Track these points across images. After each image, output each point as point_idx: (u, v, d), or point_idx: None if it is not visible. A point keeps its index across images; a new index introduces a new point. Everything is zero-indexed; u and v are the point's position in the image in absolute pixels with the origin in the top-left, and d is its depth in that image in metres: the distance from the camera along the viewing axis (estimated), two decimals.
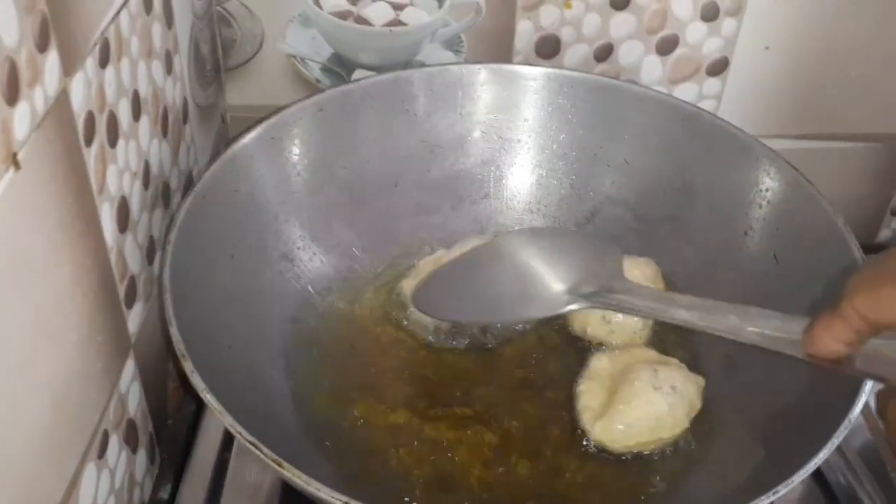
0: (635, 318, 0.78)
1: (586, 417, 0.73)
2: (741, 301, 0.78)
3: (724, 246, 0.81)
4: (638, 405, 0.71)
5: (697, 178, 0.83)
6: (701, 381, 0.75)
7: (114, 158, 0.65)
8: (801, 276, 0.75)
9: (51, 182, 0.55)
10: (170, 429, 0.82)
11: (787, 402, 0.69)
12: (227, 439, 0.79)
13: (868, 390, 0.61)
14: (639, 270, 0.81)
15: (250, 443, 0.53)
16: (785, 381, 0.69)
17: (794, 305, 0.73)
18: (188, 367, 0.57)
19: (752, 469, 0.65)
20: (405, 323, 0.81)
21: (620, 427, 0.71)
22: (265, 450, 0.53)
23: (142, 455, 0.74)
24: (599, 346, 0.79)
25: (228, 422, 0.55)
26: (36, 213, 0.54)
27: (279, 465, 0.52)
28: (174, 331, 0.59)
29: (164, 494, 0.77)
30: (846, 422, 0.59)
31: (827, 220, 0.73)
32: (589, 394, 0.74)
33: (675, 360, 0.76)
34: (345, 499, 0.50)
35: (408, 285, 0.83)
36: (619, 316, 0.78)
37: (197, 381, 0.57)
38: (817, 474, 0.78)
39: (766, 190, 0.78)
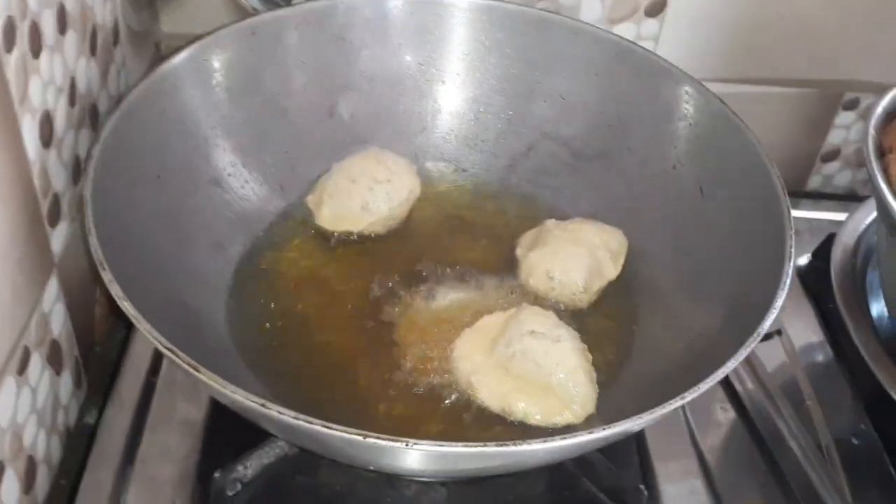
0: (576, 279, 0.78)
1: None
2: (669, 231, 0.80)
3: (654, 180, 0.82)
4: None
5: (631, 113, 0.84)
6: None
7: (37, 70, 0.64)
8: (724, 208, 0.76)
9: None
10: (98, 355, 0.81)
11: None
12: (155, 365, 0.78)
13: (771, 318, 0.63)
14: (605, 237, 0.81)
15: (167, 349, 0.53)
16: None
17: (717, 237, 0.75)
18: (106, 276, 0.57)
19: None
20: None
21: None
22: (181, 355, 0.53)
23: (66, 378, 0.74)
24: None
25: (145, 328, 0.54)
26: None
27: (196, 369, 0.52)
28: (93, 239, 0.58)
29: (91, 419, 0.76)
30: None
31: (751, 152, 0.74)
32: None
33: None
34: (260, 401, 0.50)
35: (311, 201, 0.84)
36: (560, 272, 0.78)
37: (115, 289, 0.56)
38: (741, 409, 0.81)
39: (695, 124, 0.80)
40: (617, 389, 0.72)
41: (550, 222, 0.82)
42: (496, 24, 0.86)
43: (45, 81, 0.65)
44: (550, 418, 0.68)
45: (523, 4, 0.87)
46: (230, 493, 0.67)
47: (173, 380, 0.77)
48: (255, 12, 0.85)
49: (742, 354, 0.59)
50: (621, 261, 0.81)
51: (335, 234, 0.83)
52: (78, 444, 0.74)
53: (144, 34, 0.91)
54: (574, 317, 0.78)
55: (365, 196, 0.82)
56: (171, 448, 0.72)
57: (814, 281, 0.93)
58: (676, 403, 0.56)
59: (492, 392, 0.69)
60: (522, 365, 0.69)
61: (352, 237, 0.83)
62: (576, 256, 0.78)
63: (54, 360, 0.70)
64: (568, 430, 0.68)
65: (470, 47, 0.88)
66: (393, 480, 0.70)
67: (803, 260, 0.95)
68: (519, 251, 0.82)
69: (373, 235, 0.84)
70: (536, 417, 0.68)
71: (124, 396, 0.76)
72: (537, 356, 0.69)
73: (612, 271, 0.80)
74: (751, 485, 0.76)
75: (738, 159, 0.76)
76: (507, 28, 0.86)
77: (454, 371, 0.71)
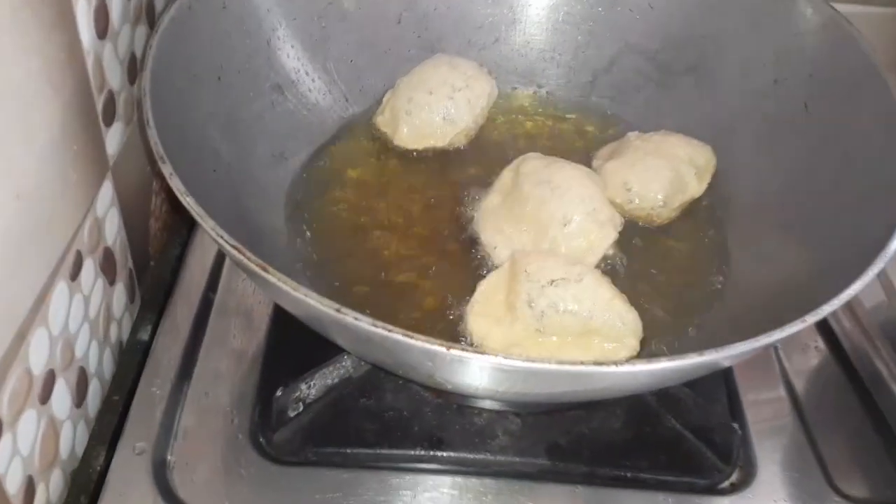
0: (656, 191, 0.72)
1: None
2: (766, 154, 0.74)
3: (752, 97, 0.75)
4: None
5: (727, 22, 0.77)
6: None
7: None
8: (832, 125, 0.69)
9: None
10: (152, 270, 0.77)
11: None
12: (212, 283, 0.74)
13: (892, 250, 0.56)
14: (690, 151, 0.75)
15: (233, 247, 0.48)
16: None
17: (824, 157, 0.69)
18: (167, 169, 0.52)
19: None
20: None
21: None
22: (249, 255, 0.48)
23: (120, 289, 0.70)
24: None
25: (210, 225, 0.50)
26: None
27: (264, 269, 0.47)
28: (152, 132, 0.54)
29: (145, 336, 0.73)
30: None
31: (865, 63, 0.67)
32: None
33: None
34: (335, 305, 0.46)
35: (382, 122, 0.79)
36: (638, 184, 0.72)
37: (176, 183, 0.51)
38: (837, 349, 0.75)
39: (801, 33, 0.72)
40: (711, 319, 0.66)
41: (632, 134, 0.76)
42: None
43: None
44: (614, 358, 0.62)
45: None
46: (292, 414, 0.63)
47: (232, 298, 0.73)
48: None
49: (852, 291, 0.53)
50: (708, 178, 0.75)
51: (415, 152, 0.78)
52: (131, 361, 0.71)
53: None
54: (662, 231, 0.72)
55: (447, 106, 0.77)
56: (228, 369, 0.68)
57: None
58: (768, 339, 0.50)
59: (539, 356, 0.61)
60: (557, 319, 0.62)
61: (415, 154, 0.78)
62: (656, 168, 0.73)
63: (108, 268, 0.66)
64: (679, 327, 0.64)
65: None
66: (462, 408, 0.65)
67: None
68: (595, 163, 0.76)
69: (452, 149, 0.78)
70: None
71: (179, 314, 0.72)
72: (569, 304, 0.62)
73: (696, 187, 0.74)
74: (846, 428, 0.70)
75: (850, 73, 0.68)
76: None
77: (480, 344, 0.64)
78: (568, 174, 0.70)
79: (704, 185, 0.74)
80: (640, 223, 0.73)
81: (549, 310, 0.61)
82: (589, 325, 0.62)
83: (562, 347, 0.62)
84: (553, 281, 0.62)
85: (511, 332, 0.62)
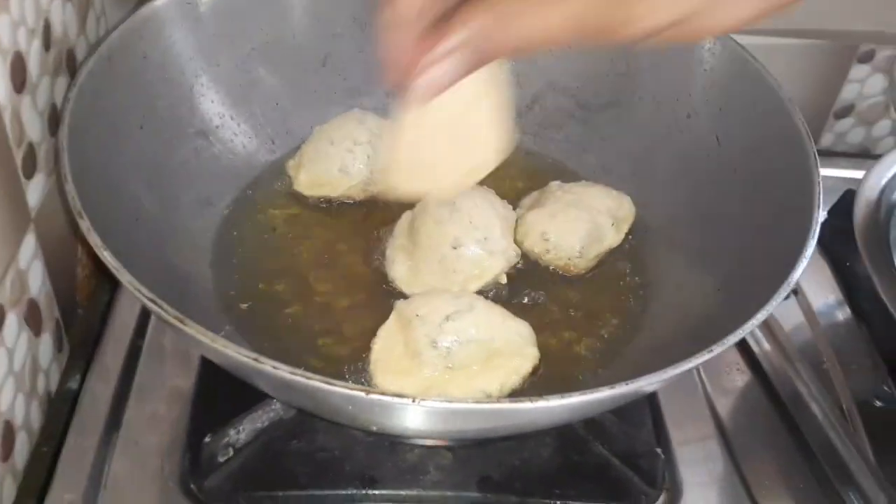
0: (573, 243, 0.74)
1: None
2: (681, 185, 0.76)
3: (667, 131, 0.78)
4: None
5: (642, 61, 0.79)
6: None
7: (6, 7, 0.59)
8: (742, 155, 0.72)
9: None
10: (81, 318, 0.77)
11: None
12: (141, 328, 0.74)
13: (803, 266, 0.59)
14: (610, 202, 0.76)
15: (151, 300, 0.49)
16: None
17: (735, 186, 0.72)
18: (84, 224, 0.52)
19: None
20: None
21: None
22: (166, 307, 0.49)
23: (46, 340, 0.69)
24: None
25: (126, 279, 0.50)
26: None
27: (181, 322, 0.48)
28: (69, 186, 0.54)
29: (74, 384, 0.72)
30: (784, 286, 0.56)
31: (772, 97, 0.70)
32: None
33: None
34: (253, 355, 0.46)
35: (291, 167, 0.80)
36: (555, 235, 0.74)
37: (94, 238, 0.52)
38: (758, 371, 0.77)
39: (711, 69, 0.75)
40: (630, 350, 0.68)
41: (554, 184, 0.78)
42: None
43: (16, 20, 0.61)
44: (522, 372, 0.65)
45: None
46: (221, 459, 0.63)
47: (160, 344, 0.73)
48: None
49: (769, 308, 0.55)
50: (625, 227, 0.77)
51: (310, 199, 0.78)
52: (60, 410, 0.70)
53: None
54: (580, 279, 0.74)
55: (344, 158, 0.77)
56: (158, 414, 0.68)
57: (831, 240, 0.89)
58: (690, 363, 0.52)
59: (457, 392, 0.62)
60: (463, 351, 0.63)
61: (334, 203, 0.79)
62: (574, 220, 0.74)
63: (33, 320, 0.66)
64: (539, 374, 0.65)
65: None
66: (395, 444, 0.66)
67: (819, 218, 0.91)
68: (518, 211, 0.78)
69: (353, 201, 0.79)
70: (514, 378, 0.64)
71: (108, 361, 0.72)
72: (471, 333, 0.64)
73: (614, 237, 0.76)
74: (769, 448, 0.72)
75: (757, 105, 0.72)
76: None
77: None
78: (474, 201, 0.72)
79: (621, 236, 0.76)
80: (558, 271, 0.75)
81: (454, 345, 0.63)
82: (492, 348, 0.64)
83: (474, 377, 0.64)
84: (448, 316, 0.64)
85: (422, 378, 0.63)
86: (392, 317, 0.66)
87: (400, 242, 0.74)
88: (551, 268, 0.75)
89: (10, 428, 0.63)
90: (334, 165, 0.77)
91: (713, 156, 0.74)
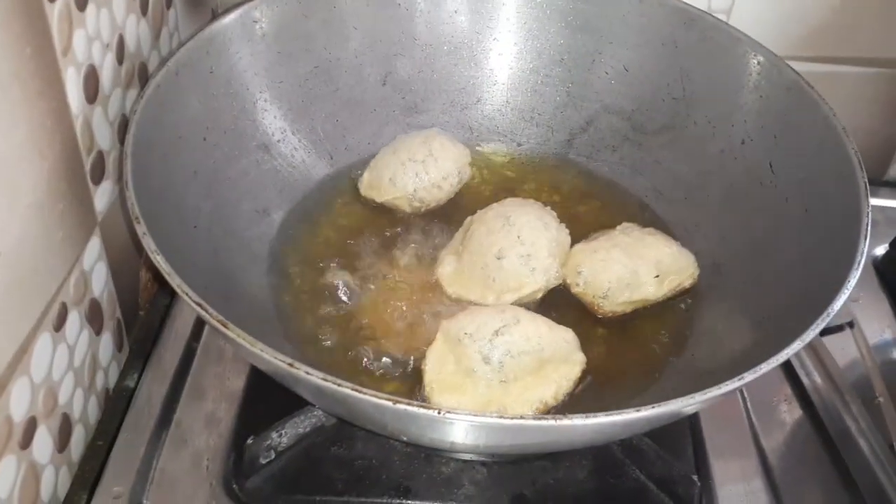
0: (601, 282, 0.72)
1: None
2: (733, 210, 0.76)
3: (720, 156, 0.78)
4: None
5: (698, 85, 0.80)
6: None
7: (82, 23, 0.63)
8: (795, 185, 0.71)
9: (4, 28, 0.53)
10: (142, 320, 0.80)
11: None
12: (196, 332, 0.77)
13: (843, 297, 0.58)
14: (664, 255, 0.74)
15: (196, 303, 0.51)
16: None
17: (786, 213, 0.71)
18: (140, 229, 0.55)
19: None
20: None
21: None
22: (211, 311, 0.51)
23: (107, 339, 0.73)
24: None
25: (176, 283, 0.52)
26: None
27: (224, 325, 0.50)
28: (129, 193, 0.57)
29: (131, 383, 0.75)
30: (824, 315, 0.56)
31: (826, 126, 0.69)
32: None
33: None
34: (288, 360, 0.48)
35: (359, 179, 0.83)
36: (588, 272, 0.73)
37: (149, 242, 0.55)
38: (808, 406, 0.76)
39: (767, 97, 0.75)
40: (675, 374, 0.68)
41: (627, 225, 0.77)
42: None
43: (91, 35, 0.64)
44: (573, 377, 0.66)
45: None
46: (263, 461, 0.65)
47: (214, 347, 0.76)
48: None
49: (809, 336, 0.55)
50: (671, 284, 0.73)
51: (364, 199, 0.81)
52: (116, 407, 0.73)
53: (200, 0, 0.90)
54: (611, 320, 0.74)
55: (396, 170, 0.80)
56: (206, 414, 0.71)
57: (891, 272, 0.87)
58: (732, 385, 0.52)
59: (515, 404, 0.64)
60: (515, 363, 0.65)
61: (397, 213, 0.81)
62: (612, 261, 0.73)
63: (94, 319, 0.70)
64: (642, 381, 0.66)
65: (529, 15, 0.84)
66: (431, 457, 0.67)
67: (880, 250, 0.89)
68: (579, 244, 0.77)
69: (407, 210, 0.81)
70: (566, 385, 0.66)
71: (164, 362, 0.75)
72: (521, 345, 0.65)
73: (653, 291, 0.73)
74: (813, 483, 0.71)
75: (812, 134, 0.71)
76: None
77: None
78: (528, 218, 0.73)
79: (664, 291, 0.73)
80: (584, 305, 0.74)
81: (505, 358, 0.64)
82: (542, 357, 0.66)
83: (528, 388, 0.65)
84: (496, 331, 0.65)
85: (478, 394, 0.64)
86: (439, 337, 0.67)
87: (454, 246, 0.76)
88: (577, 300, 0.75)
89: (67, 421, 0.66)
90: (387, 174, 0.80)
91: (766, 183, 0.74)
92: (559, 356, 0.66)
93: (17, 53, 0.55)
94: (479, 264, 0.72)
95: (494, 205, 0.76)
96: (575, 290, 0.74)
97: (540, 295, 0.73)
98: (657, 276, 0.72)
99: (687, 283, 0.74)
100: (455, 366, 0.65)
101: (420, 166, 0.79)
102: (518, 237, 0.72)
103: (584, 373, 0.67)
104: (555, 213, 0.76)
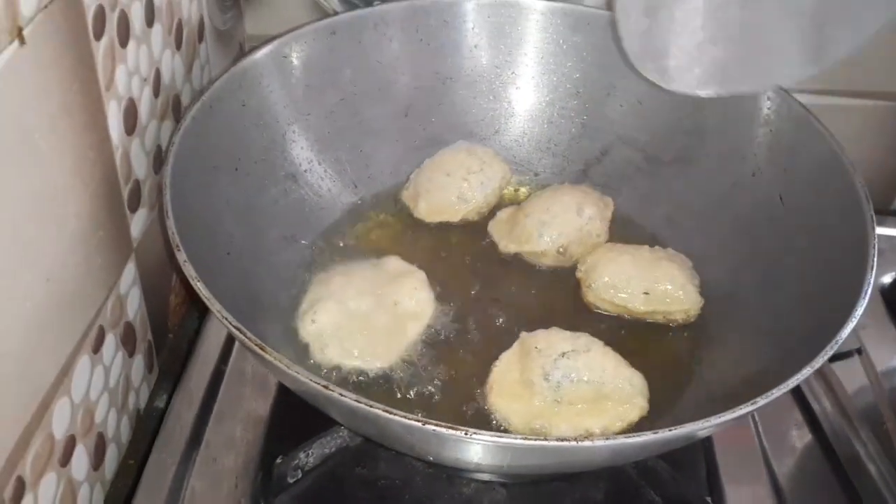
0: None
1: None
2: (743, 241, 0.78)
3: (732, 188, 0.80)
4: None
5: (710, 119, 0.82)
6: None
7: (123, 58, 0.66)
8: (804, 215, 0.74)
9: (56, 66, 0.56)
10: (171, 342, 0.83)
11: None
12: (225, 354, 0.80)
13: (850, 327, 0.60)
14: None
15: (235, 328, 0.54)
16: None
17: (795, 245, 0.73)
18: (181, 257, 0.58)
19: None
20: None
21: None
22: (249, 335, 0.54)
23: (139, 361, 0.75)
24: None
25: (216, 308, 0.55)
26: (39, 94, 0.55)
27: (262, 349, 0.53)
28: (170, 222, 0.60)
29: (161, 404, 0.78)
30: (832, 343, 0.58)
31: (834, 160, 0.72)
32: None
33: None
34: (323, 382, 0.51)
35: (406, 196, 0.86)
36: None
37: (189, 270, 0.57)
38: (818, 431, 0.78)
39: (776, 130, 0.77)
40: (687, 398, 0.70)
41: (665, 249, 0.81)
42: (573, 27, 0.86)
43: (131, 70, 0.68)
44: (628, 419, 0.68)
45: (602, 8, 0.87)
46: (291, 480, 0.68)
47: (242, 369, 0.78)
48: (336, 14, 0.87)
49: (818, 363, 0.57)
50: (659, 308, 0.77)
51: (431, 224, 0.85)
52: (147, 427, 0.76)
53: (229, 34, 0.94)
54: (644, 324, 0.77)
55: (461, 187, 0.84)
56: (235, 435, 0.73)
57: None
58: (745, 409, 0.55)
59: (561, 424, 0.67)
60: (573, 389, 0.68)
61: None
62: (616, 262, 0.78)
63: (128, 341, 0.72)
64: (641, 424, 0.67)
65: (546, 50, 0.87)
66: (452, 477, 0.69)
67: (887, 278, 0.91)
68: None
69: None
70: (618, 424, 0.67)
71: (193, 383, 0.77)
72: (582, 374, 0.68)
73: (635, 305, 0.77)
74: None
75: (820, 167, 0.73)
76: (584, 31, 0.86)
77: (511, 426, 0.68)
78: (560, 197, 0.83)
79: (649, 309, 0.77)
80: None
81: (564, 380, 0.67)
82: (601, 391, 0.68)
83: (580, 414, 0.68)
84: (564, 353, 0.68)
85: (531, 406, 0.68)
86: (516, 345, 0.71)
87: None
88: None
89: (102, 440, 0.69)
90: (452, 194, 0.84)
91: (776, 215, 0.76)
92: (620, 396, 0.68)
93: (67, 89, 0.58)
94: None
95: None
96: (579, 273, 0.79)
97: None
98: (646, 294, 0.76)
99: (678, 317, 0.77)
100: (519, 374, 0.69)
101: (482, 175, 0.85)
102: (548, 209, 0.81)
103: (641, 418, 0.68)
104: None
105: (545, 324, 0.73)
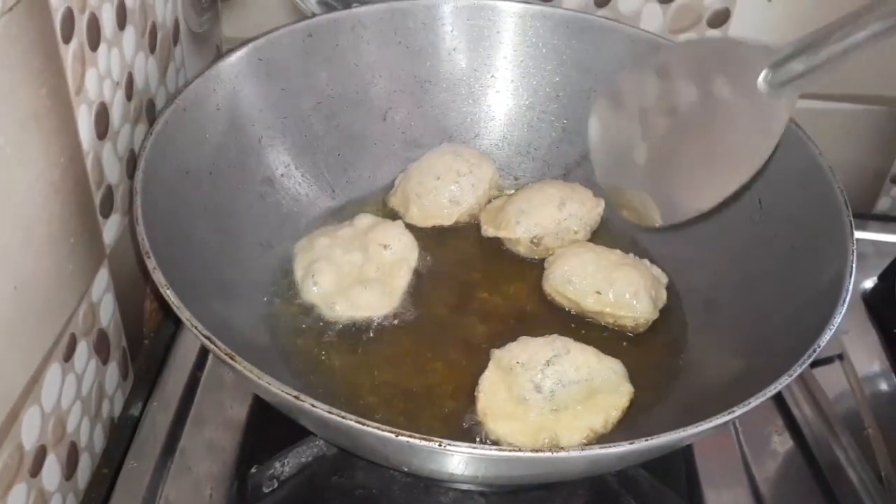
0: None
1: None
2: (722, 246, 0.78)
3: None
4: None
5: None
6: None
7: (94, 62, 0.65)
8: (783, 220, 0.74)
9: (23, 69, 0.55)
10: (146, 349, 0.82)
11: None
12: (200, 361, 0.79)
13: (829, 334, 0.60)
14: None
15: (206, 337, 0.53)
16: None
17: (774, 250, 0.73)
18: (150, 264, 0.57)
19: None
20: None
21: None
22: (219, 344, 0.53)
23: (113, 368, 0.74)
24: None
25: (186, 316, 0.54)
26: (5, 98, 0.53)
27: (231, 358, 0.52)
28: (140, 228, 0.59)
29: (135, 411, 0.77)
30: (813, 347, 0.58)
31: (813, 164, 0.71)
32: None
33: None
34: (294, 392, 0.50)
35: (395, 202, 0.86)
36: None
37: (158, 277, 0.56)
38: (798, 437, 0.78)
39: None
40: (666, 407, 0.70)
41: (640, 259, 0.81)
42: (553, 30, 0.86)
43: (102, 74, 0.67)
44: (621, 407, 0.68)
45: (582, 11, 0.86)
46: (266, 490, 0.67)
47: (218, 377, 0.77)
48: (314, 16, 0.86)
49: (797, 370, 0.56)
50: (608, 309, 0.77)
51: (424, 229, 0.84)
52: (122, 435, 0.75)
53: (206, 36, 0.93)
54: (626, 339, 0.76)
55: (452, 190, 0.84)
56: (211, 443, 0.72)
57: (879, 305, 0.89)
58: (724, 418, 0.54)
59: (566, 432, 0.67)
60: (566, 392, 0.67)
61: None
62: (578, 257, 0.79)
63: (101, 349, 0.71)
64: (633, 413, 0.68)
65: (526, 53, 0.87)
66: (429, 486, 0.68)
67: (868, 283, 0.91)
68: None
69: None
70: (615, 414, 0.68)
71: (168, 390, 0.76)
72: (571, 375, 0.68)
73: (587, 302, 0.77)
74: None
75: (799, 172, 0.73)
76: (564, 34, 0.85)
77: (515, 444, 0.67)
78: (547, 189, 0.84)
79: (598, 309, 0.77)
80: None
81: (556, 387, 0.67)
82: (591, 387, 0.68)
83: (579, 417, 0.68)
84: (548, 361, 0.68)
85: (531, 422, 0.67)
86: (490, 366, 0.70)
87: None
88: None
89: (74, 449, 0.68)
90: (444, 198, 0.83)
91: (756, 219, 0.76)
92: (608, 386, 0.69)
93: (34, 93, 0.57)
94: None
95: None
96: (545, 263, 0.81)
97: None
98: (598, 293, 0.76)
99: (627, 323, 0.77)
100: (507, 394, 0.68)
101: (472, 177, 0.84)
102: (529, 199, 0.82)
103: (631, 403, 0.69)
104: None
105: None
